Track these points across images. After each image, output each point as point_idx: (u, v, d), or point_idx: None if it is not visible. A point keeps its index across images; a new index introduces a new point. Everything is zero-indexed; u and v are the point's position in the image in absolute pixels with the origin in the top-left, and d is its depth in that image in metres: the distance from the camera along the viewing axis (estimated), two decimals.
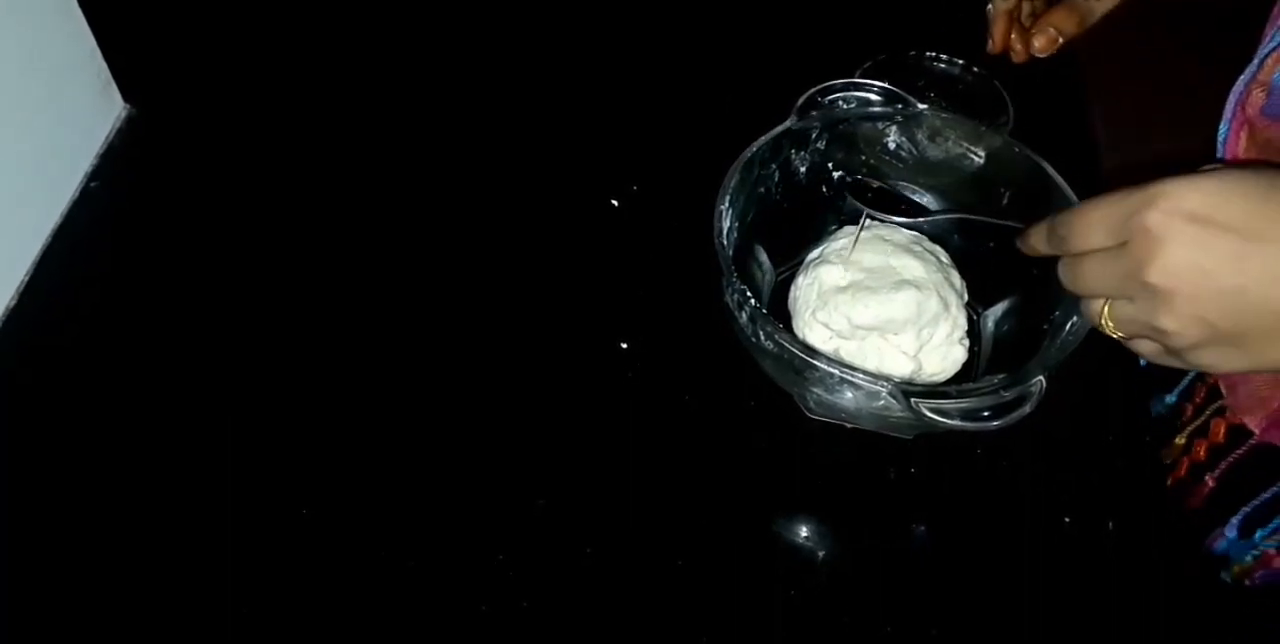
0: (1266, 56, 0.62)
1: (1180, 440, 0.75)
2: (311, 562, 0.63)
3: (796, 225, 0.74)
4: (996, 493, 0.68)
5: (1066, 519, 0.67)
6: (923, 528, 0.67)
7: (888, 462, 0.68)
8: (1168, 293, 0.44)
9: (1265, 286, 0.42)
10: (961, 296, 0.69)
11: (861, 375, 0.58)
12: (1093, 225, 0.47)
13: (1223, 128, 0.67)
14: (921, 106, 0.69)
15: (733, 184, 0.65)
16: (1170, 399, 0.78)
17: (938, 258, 0.70)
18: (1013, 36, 0.86)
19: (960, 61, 0.84)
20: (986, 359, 0.70)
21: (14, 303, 0.72)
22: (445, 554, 0.64)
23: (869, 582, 0.65)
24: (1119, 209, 0.45)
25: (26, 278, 0.73)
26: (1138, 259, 0.44)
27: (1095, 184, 0.76)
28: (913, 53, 0.85)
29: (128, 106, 0.82)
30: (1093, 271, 0.47)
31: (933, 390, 0.57)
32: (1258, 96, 0.63)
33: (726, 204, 0.64)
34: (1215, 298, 0.43)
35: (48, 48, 0.73)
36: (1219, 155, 0.67)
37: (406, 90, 0.87)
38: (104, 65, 0.79)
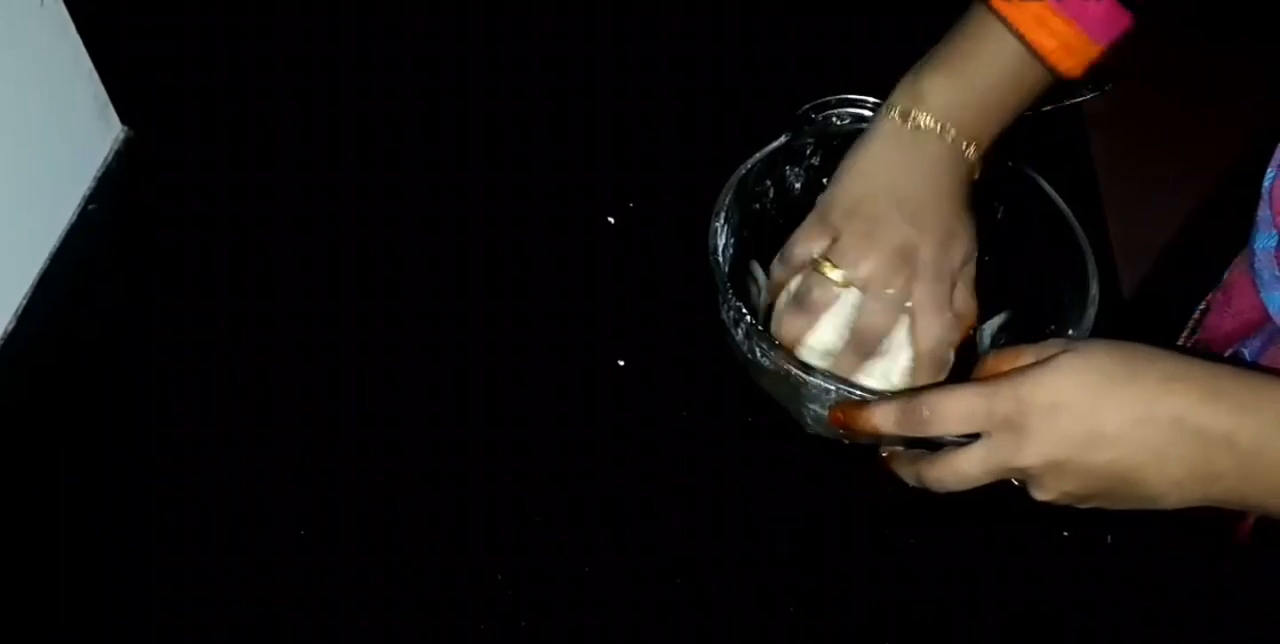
0: None
1: None
2: (308, 582, 0.63)
3: None
4: (995, 506, 0.68)
5: (1065, 533, 0.67)
6: (921, 542, 0.67)
7: (886, 476, 0.68)
8: (1036, 476, 0.52)
9: (1109, 463, 0.50)
10: None
11: (858, 390, 0.58)
12: (958, 413, 0.53)
13: (1270, 174, 0.67)
14: None
15: (727, 201, 0.65)
16: None
17: None
18: None
19: None
20: None
21: (12, 326, 0.72)
22: (443, 574, 0.64)
23: (868, 596, 0.65)
24: (984, 401, 0.52)
25: (25, 301, 0.73)
26: (1006, 453, 0.52)
27: (1091, 199, 0.76)
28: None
29: (125, 129, 0.82)
30: (966, 466, 0.54)
31: None
32: None
33: (721, 221, 0.64)
34: (1073, 475, 0.51)
35: (45, 70, 0.73)
36: (1264, 198, 0.67)
37: (404, 109, 0.87)
38: (101, 88, 0.79)
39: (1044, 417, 0.50)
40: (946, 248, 0.63)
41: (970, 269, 0.66)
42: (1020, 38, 0.61)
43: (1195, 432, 0.49)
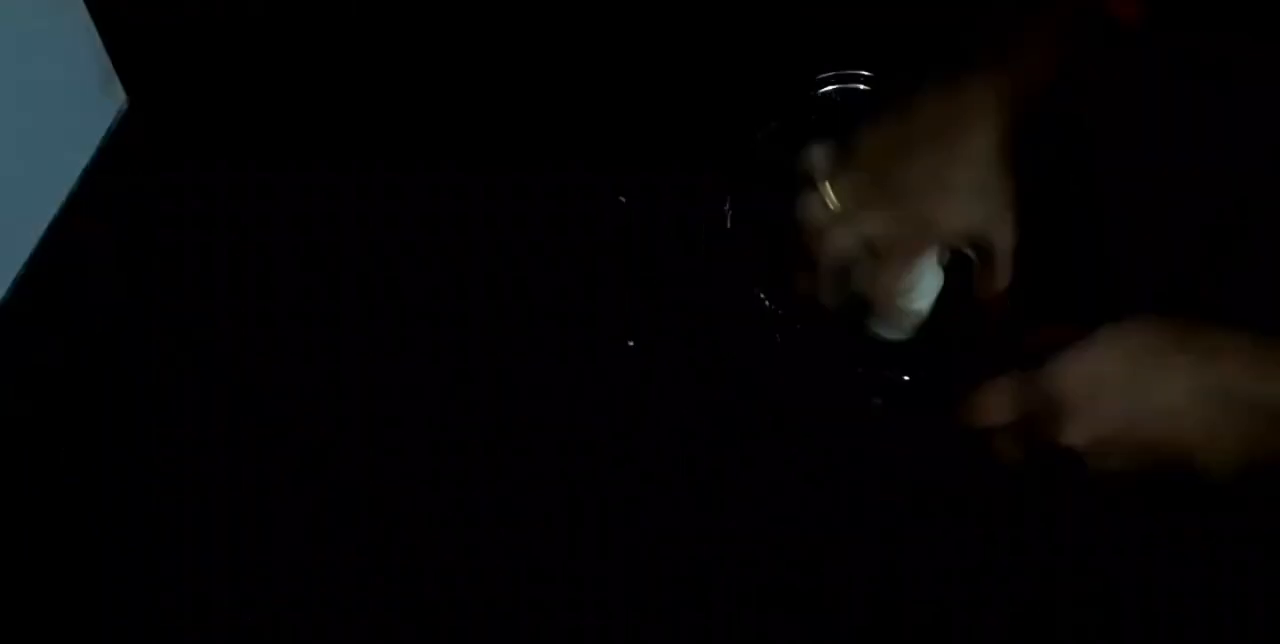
0: None
1: None
2: (308, 581, 0.63)
3: None
4: (998, 506, 0.67)
5: (1071, 532, 0.65)
6: (922, 542, 0.65)
7: (899, 465, 0.67)
8: (1080, 455, 0.51)
9: (1157, 439, 0.49)
10: None
11: None
12: (996, 408, 0.52)
13: None
14: None
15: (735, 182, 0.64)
16: None
17: None
18: None
19: None
20: None
21: (9, 295, 0.71)
22: (449, 563, 0.63)
23: (868, 596, 0.64)
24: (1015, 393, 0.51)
25: (22, 271, 0.72)
26: (1051, 433, 0.51)
27: (1090, 187, 0.74)
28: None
29: (129, 100, 0.82)
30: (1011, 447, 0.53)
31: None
32: None
33: (728, 205, 0.65)
34: (1119, 453, 0.50)
35: (50, 40, 0.73)
36: None
37: (412, 85, 0.86)
38: (106, 59, 0.79)
39: (1086, 394, 0.49)
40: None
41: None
42: None
43: (1245, 402, 0.48)
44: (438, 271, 0.76)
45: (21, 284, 0.72)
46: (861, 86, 0.69)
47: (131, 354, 0.71)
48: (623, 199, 0.79)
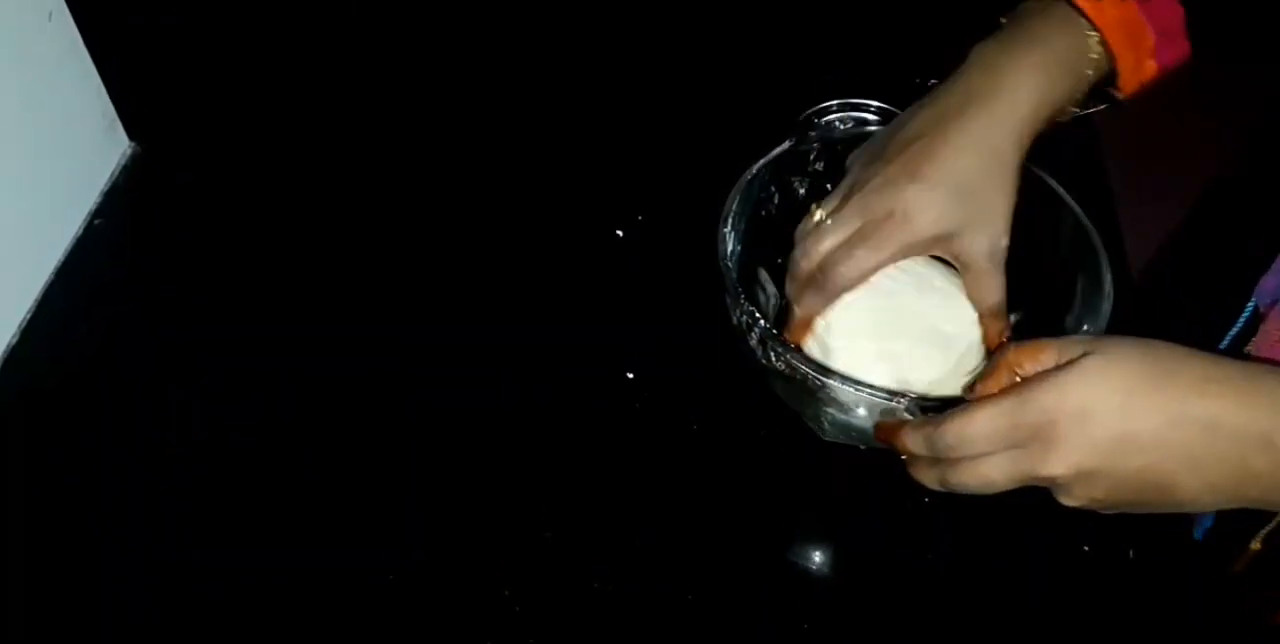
0: None
1: (1255, 545, 0.70)
2: (315, 593, 0.62)
3: None
4: (1014, 520, 0.67)
5: (1086, 548, 0.66)
6: (936, 559, 0.65)
7: (902, 489, 0.67)
8: (1063, 484, 0.50)
9: (1140, 470, 0.48)
10: None
11: (878, 393, 0.57)
12: (983, 436, 0.50)
13: None
14: None
15: (734, 207, 0.64)
16: None
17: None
18: None
19: None
20: None
21: (15, 340, 0.72)
22: (450, 588, 0.63)
23: (884, 611, 0.64)
24: (1006, 419, 0.50)
25: (29, 315, 0.73)
26: (1033, 462, 0.50)
27: (1101, 197, 0.75)
28: (918, 80, 0.84)
29: (132, 145, 0.82)
30: (991, 473, 0.51)
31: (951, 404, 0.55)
32: None
33: (729, 227, 0.64)
34: (1103, 483, 0.49)
35: (54, 86, 0.74)
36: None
37: (411, 127, 0.87)
38: (109, 104, 0.79)
39: (1073, 424, 0.48)
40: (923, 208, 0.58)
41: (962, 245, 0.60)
42: (1102, 40, 0.59)
43: (1232, 434, 0.47)
44: (438, 282, 0.76)
45: (29, 327, 0.72)
46: (870, 116, 0.69)
47: (131, 355, 0.71)
48: (620, 232, 0.80)
